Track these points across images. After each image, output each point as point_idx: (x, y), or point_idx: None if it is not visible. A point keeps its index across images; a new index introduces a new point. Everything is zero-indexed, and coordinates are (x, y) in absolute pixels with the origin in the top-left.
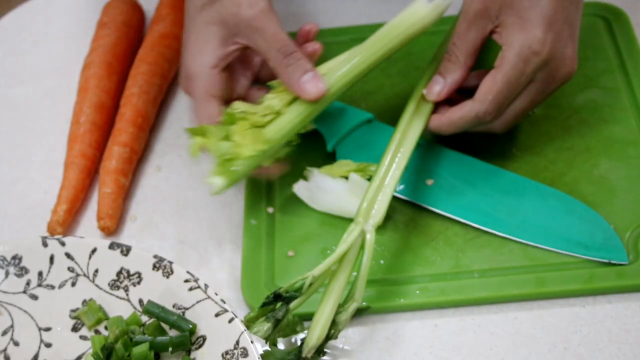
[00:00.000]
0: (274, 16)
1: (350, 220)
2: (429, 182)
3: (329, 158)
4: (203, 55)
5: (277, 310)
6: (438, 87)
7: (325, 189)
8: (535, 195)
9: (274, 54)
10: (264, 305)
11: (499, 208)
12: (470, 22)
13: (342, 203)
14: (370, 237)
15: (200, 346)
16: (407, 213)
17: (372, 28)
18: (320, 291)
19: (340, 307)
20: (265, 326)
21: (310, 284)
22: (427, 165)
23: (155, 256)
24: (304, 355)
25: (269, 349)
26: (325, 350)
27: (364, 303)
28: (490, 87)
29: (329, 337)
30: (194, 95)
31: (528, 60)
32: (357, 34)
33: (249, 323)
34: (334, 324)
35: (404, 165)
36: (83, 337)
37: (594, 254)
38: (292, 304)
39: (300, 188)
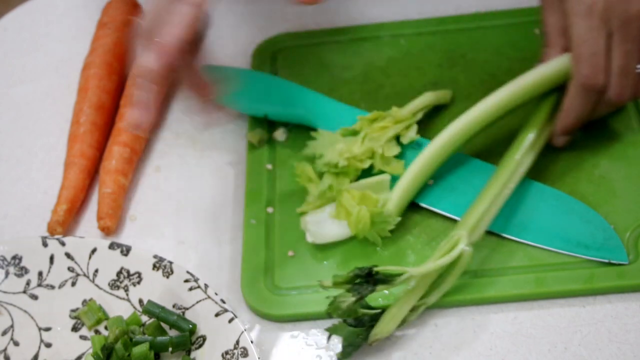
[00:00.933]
0: None
1: None
2: (429, 182)
3: None
4: None
5: (363, 286)
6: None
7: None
8: (535, 195)
9: None
10: (354, 275)
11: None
12: (548, 5)
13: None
14: (468, 251)
15: (200, 346)
16: (407, 213)
17: (372, 28)
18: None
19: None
20: (350, 298)
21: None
22: None
23: (155, 256)
24: (368, 342)
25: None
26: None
27: None
28: (575, 54)
29: None
30: None
31: (589, 14)
32: (357, 34)
33: (335, 284)
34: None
35: (513, 188)
36: (83, 337)
37: (594, 254)
38: (378, 287)
39: (306, 223)
